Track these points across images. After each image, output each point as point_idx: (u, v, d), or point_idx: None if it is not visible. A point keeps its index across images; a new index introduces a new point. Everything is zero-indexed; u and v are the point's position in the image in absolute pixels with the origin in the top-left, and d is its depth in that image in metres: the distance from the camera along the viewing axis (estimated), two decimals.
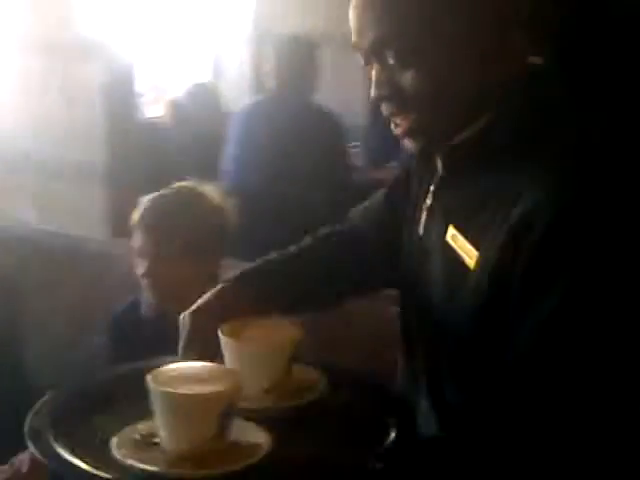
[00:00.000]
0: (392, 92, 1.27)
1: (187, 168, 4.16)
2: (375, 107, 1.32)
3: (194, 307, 1.44)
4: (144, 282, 2.25)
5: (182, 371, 1.21)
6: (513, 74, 1.26)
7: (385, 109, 1.30)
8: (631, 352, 1.10)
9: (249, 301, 1.44)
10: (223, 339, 1.33)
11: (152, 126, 4.55)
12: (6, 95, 3.68)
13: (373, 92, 1.29)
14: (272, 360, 1.33)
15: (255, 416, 1.24)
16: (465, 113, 1.27)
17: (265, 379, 1.32)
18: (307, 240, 1.63)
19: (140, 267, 2.24)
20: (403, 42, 1.23)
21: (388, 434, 1.24)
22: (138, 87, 3.91)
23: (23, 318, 2.60)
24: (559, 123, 1.22)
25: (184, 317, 1.42)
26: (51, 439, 1.18)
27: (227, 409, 1.16)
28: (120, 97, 3.53)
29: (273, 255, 1.59)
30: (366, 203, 1.67)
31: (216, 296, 1.46)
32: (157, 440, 1.17)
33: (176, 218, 2.25)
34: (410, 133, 1.29)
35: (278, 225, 3.32)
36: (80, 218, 3.35)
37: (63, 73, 3.50)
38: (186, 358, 1.33)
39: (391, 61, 1.25)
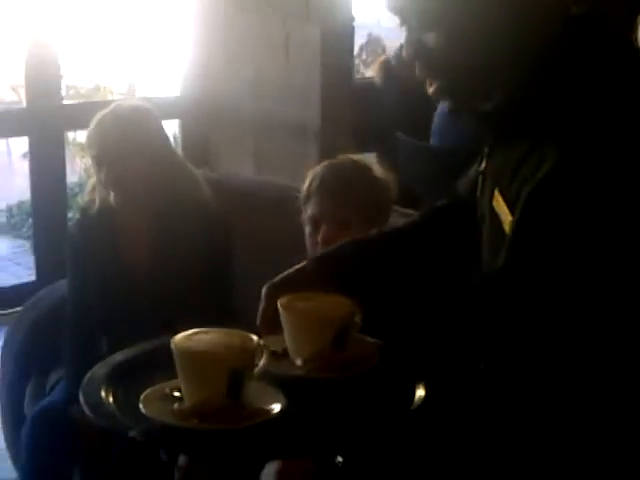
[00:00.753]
0: (418, 53, 1.27)
1: (396, 127, 4.31)
2: None
3: (273, 281, 1.46)
4: (317, 248, 2.27)
5: (210, 335, 1.30)
6: (550, 32, 1.23)
7: (416, 69, 1.29)
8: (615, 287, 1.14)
9: (325, 285, 1.44)
10: (279, 309, 1.39)
11: (365, 86, 4.70)
12: (227, 55, 3.91)
13: (404, 52, 1.29)
14: (312, 332, 1.37)
15: (284, 381, 1.31)
16: (493, 78, 1.25)
17: (305, 350, 1.37)
18: (412, 220, 1.64)
19: (315, 233, 2.28)
20: (422, 3, 1.23)
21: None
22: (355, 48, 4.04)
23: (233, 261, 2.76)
24: (594, 91, 1.20)
25: (263, 289, 1.45)
26: (102, 390, 1.32)
27: (235, 371, 1.24)
28: (337, 58, 3.68)
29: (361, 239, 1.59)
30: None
31: (295, 274, 1.47)
32: (179, 394, 1.30)
33: (355, 185, 2.31)
34: (439, 94, 1.30)
35: None
36: (294, 173, 3.51)
37: (283, 34, 3.67)
38: (260, 330, 1.39)
39: (414, 22, 1.26)
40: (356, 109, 3.91)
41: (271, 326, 1.41)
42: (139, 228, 2.63)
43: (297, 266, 1.49)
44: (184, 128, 4.37)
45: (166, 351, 1.31)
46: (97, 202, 2.63)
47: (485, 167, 1.38)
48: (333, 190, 2.32)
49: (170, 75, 4.34)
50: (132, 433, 1.24)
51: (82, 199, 2.78)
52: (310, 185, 2.36)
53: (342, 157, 2.43)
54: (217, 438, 1.23)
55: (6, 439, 2.83)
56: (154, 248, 2.60)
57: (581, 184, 1.14)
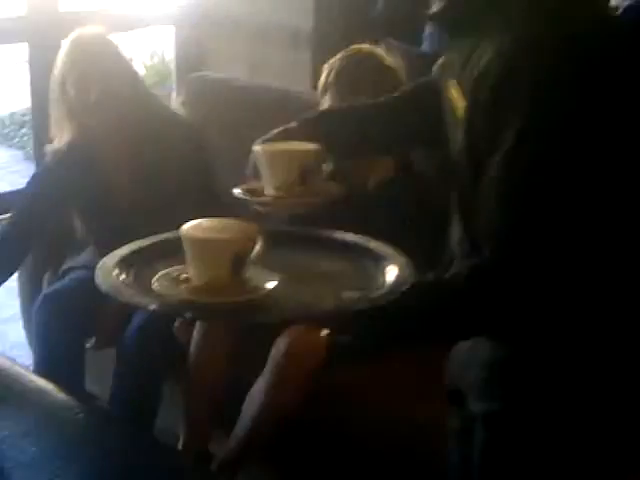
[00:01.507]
0: None
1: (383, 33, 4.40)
2: None
3: (263, 137, 1.63)
4: None
5: (213, 224, 1.44)
6: None
7: None
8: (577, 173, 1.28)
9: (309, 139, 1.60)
10: (254, 149, 1.59)
11: None
12: None
13: None
14: (281, 163, 1.56)
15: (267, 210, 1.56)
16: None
17: (276, 178, 1.56)
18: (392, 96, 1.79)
19: None
20: None
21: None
22: None
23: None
24: None
25: (253, 148, 1.61)
26: (115, 272, 1.47)
27: (238, 254, 1.39)
28: None
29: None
30: None
31: (282, 134, 1.63)
32: (187, 276, 1.45)
33: (371, 72, 2.39)
34: (433, 18, 1.49)
35: None
36: (286, 77, 3.62)
37: None
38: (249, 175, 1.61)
39: None
40: (347, 14, 4.00)
41: (257, 173, 1.60)
42: (120, 149, 2.69)
43: (278, 129, 1.64)
44: (178, 34, 4.46)
45: (163, 245, 1.51)
46: (68, 131, 2.67)
47: (443, 61, 1.54)
48: (350, 78, 2.39)
49: None
50: (152, 307, 1.39)
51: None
52: (327, 77, 2.43)
53: (355, 48, 2.48)
54: (226, 309, 1.39)
55: (25, 327, 3.00)
56: (136, 167, 2.66)
57: (513, 72, 1.29)
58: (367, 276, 1.48)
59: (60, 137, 2.71)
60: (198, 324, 2.42)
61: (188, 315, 1.50)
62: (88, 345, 2.66)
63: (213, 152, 2.84)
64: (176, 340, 2.44)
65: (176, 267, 1.45)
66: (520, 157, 1.28)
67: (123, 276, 1.47)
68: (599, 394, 1.41)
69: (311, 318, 1.44)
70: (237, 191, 1.60)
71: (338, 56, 2.47)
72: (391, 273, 1.45)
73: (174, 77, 4.42)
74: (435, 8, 1.44)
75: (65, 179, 2.68)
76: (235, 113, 3.07)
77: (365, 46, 2.49)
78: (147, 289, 1.41)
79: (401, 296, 1.35)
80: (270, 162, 1.57)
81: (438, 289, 1.38)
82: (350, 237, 1.60)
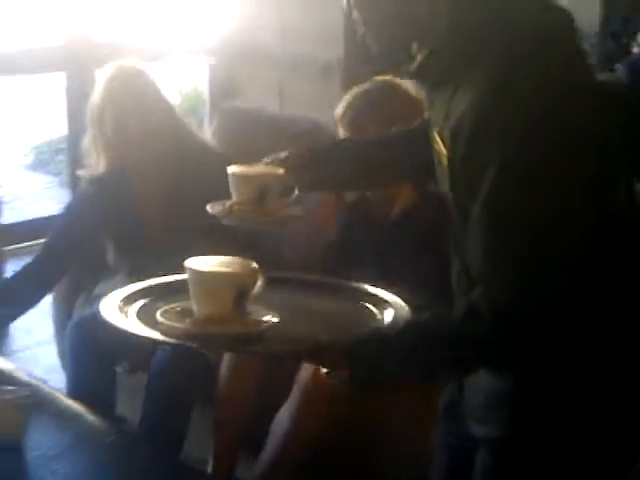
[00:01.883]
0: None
1: None
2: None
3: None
4: None
5: (218, 260, 1.50)
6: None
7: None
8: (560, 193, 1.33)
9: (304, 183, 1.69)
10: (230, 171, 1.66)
11: None
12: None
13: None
14: (243, 182, 1.65)
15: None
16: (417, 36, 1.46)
17: (237, 196, 1.64)
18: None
19: None
20: None
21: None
22: None
23: None
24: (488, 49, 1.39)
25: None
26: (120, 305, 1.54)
27: (241, 289, 1.44)
28: None
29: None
30: None
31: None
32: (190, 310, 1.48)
33: (379, 103, 2.39)
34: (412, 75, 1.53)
35: None
36: (316, 107, 3.67)
37: None
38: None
39: None
40: None
41: None
42: (157, 185, 2.69)
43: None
44: (212, 65, 4.54)
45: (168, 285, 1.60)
46: (104, 162, 2.67)
47: (429, 114, 1.56)
48: (357, 110, 2.42)
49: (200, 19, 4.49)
50: (157, 337, 1.44)
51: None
52: (340, 110, 2.47)
53: (372, 79, 2.49)
54: (229, 341, 1.46)
55: (57, 350, 3.06)
56: (172, 201, 2.66)
57: (483, 125, 1.35)
58: (365, 315, 1.55)
59: (96, 164, 2.73)
60: (226, 356, 2.46)
61: (192, 345, 1.54)
62: (119, 369, 2.71)
63: None
64: (206, 365, 2.49)
65: (179, 303, 1.51)
66: (496, 204, 1.34)
67: (127, 309, 1.53)
68: (598, 423, 1.45)
69: (310, 351, 1.48)
70: (209, 207, 1.67)
71: (356, 90, 2.50)
72: (389, 313, 1.52)
73: (207, 106, 4.50)
74: (415, 65, 1.47)
75: (99, 207, 2.71)
76: (265, 144, 3.11)
77: (380, 77, 2.48)
78: (152, 321, 1.46)
79: (398, 334, 1.42)
80: (233, 182, 1.66)
81: (435, 327, 1.43)
82: (347, 283, 1.68)
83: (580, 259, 1.34)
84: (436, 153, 1.49)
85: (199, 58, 4.66)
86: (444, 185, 1.48)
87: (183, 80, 7.39)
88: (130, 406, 2.60)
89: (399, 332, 1.44)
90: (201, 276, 1.45)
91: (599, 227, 1.36)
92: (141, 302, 1.57)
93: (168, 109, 2.73)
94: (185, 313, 1.46)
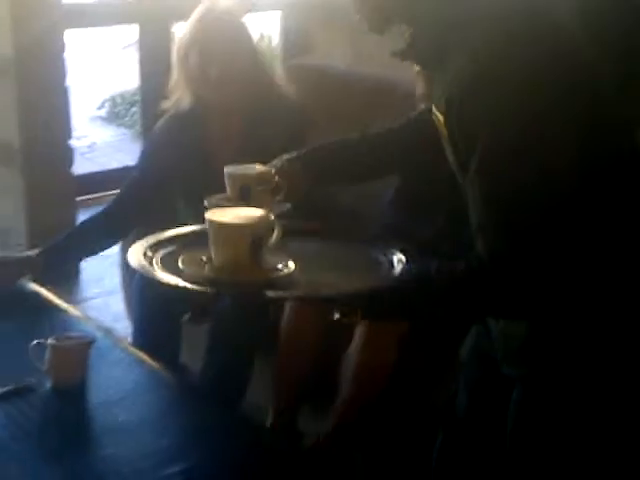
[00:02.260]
0: None
1: None
2: None
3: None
4: None
5: (236, 212, 1.63)
6: None
7: None
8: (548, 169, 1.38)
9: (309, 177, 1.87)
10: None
11: None
12: None
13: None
14: (228, 181, 1.87)
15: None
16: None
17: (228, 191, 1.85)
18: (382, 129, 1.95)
19: None
20: None
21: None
22: None
23: None
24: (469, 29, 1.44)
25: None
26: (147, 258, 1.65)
27: (256, 239, 1.56)
28: None
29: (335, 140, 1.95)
30: None
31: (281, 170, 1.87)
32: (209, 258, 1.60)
33: None
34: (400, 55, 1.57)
35: None
36: (388, 64, 3.63)
37: None
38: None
39: None
40: None
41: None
42: (233, 127, 2.70)
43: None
44: (284, 19, 4.54)
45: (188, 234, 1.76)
46: (188, 98, 2.68)
47: (430, 88, 1.62)
48: None
49: None
50: (178, 282, 1.55)
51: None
52: None
53: None
54: (245, 286, 1.58)
55: (124, 299, 3.11)
56: (244, 145, 2.65)
57: (470, 100, 1.40)
58: (377, 264, 1.66)
59: (174, 99, 2.73)
60: (288, 305, 2.49)
61: (211, 290, 1.62)
62: (184, 319, 2.75)
63: (311, 138, 2.88)
64: (268, 315, 2.52)
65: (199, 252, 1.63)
66: (491, 165, 1.40)
67: (151, 256, 1.66)
68: (611, 360, 1.51)
69: (324, 298, 1.60)
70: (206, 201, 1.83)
71: None
72: (400, 263, 1.64)
73: (279, 61, 4.50)
74: (401, 46, 1.53)
75: (177, 145, 2.71)
76: (332, 100, 3.11)
77: None
78: (174, 268, 1.58)
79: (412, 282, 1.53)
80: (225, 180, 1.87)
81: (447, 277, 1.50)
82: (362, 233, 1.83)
83: (573, 204, 1.39)
84: (440, 129, 1.54)
85: (273, 12, 4.66)
86: (450, 158, 1.53)
87: (258, 33, 7.40)
88: (193, 355, 2.64)
89: (406, 284, 1.54)
90: (218, 227, 1.58)
91: (597, 170, 1.41)
92: (167, 249, 1.70)
93: (253, 54, 2.72)
94: (205, 260, 1.60)
